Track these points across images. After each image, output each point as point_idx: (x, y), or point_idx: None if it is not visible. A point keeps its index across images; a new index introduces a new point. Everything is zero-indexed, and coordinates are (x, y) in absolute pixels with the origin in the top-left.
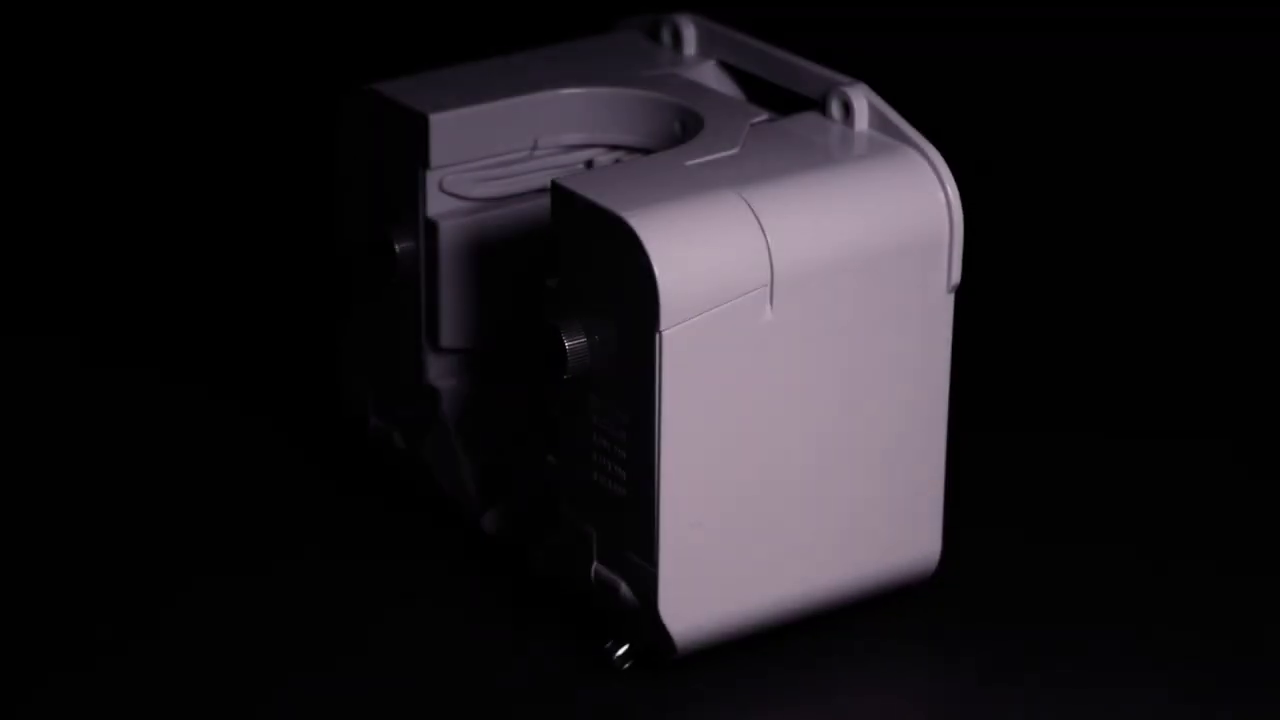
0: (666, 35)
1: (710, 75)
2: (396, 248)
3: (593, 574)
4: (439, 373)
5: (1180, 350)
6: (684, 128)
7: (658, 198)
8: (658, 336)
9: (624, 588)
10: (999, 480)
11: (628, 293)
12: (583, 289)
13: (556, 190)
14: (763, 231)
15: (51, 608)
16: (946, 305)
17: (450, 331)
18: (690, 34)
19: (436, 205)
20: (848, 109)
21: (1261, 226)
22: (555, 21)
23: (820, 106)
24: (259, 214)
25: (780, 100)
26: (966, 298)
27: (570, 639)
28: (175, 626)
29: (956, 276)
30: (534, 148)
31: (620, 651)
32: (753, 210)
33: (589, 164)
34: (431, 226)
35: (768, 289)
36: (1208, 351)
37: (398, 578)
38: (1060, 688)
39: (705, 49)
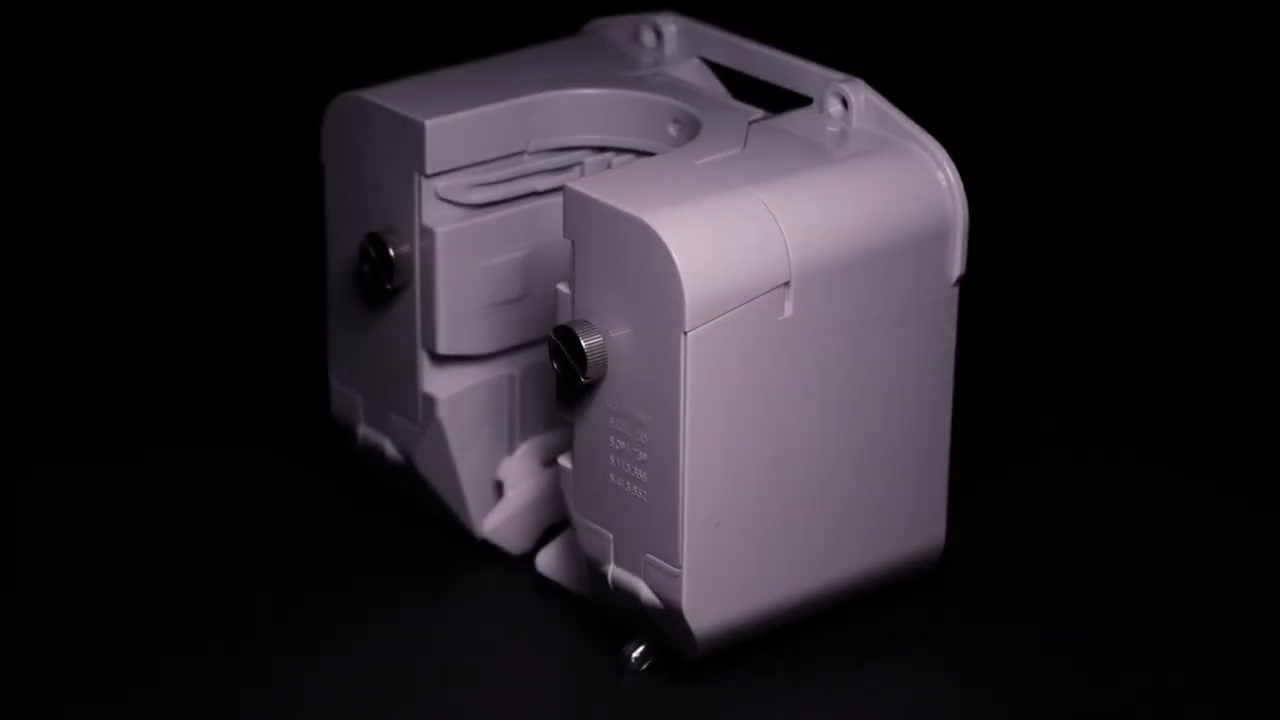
0: (648, 34)
1: (693, 74)
2: (393, 254)
3: (610, 577)
4: (436, 380)
5: (1181, 345)
6: (678, 128)
7: (676, 199)
8: (683, 337)
9: (644, 590)
10: (998, 475)
11: (648, 294)
12: (598, 291)
13: (570, 194)
14: (781, 230)
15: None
16: (952, 298)
17: (447, 338)
18: (672, 33)
19: (432, 212)
20: (846, 104)
21: (1263, 224)
22: (518, 22)
23: (814, 103)
24: (247, 220)
25: (764, 98)
26: (966, 295)
27: (575, 642)
28: (170, 632)
29: (961, 268)
30: (526, 152)
31: (637, 653)
32: (770, 209)
33: (580, 167)
34: (428, 233)
35: (787, 286)
36: (1208, 346)
37: (400, 588)
38: (1058, 688)
39: (689, 48)
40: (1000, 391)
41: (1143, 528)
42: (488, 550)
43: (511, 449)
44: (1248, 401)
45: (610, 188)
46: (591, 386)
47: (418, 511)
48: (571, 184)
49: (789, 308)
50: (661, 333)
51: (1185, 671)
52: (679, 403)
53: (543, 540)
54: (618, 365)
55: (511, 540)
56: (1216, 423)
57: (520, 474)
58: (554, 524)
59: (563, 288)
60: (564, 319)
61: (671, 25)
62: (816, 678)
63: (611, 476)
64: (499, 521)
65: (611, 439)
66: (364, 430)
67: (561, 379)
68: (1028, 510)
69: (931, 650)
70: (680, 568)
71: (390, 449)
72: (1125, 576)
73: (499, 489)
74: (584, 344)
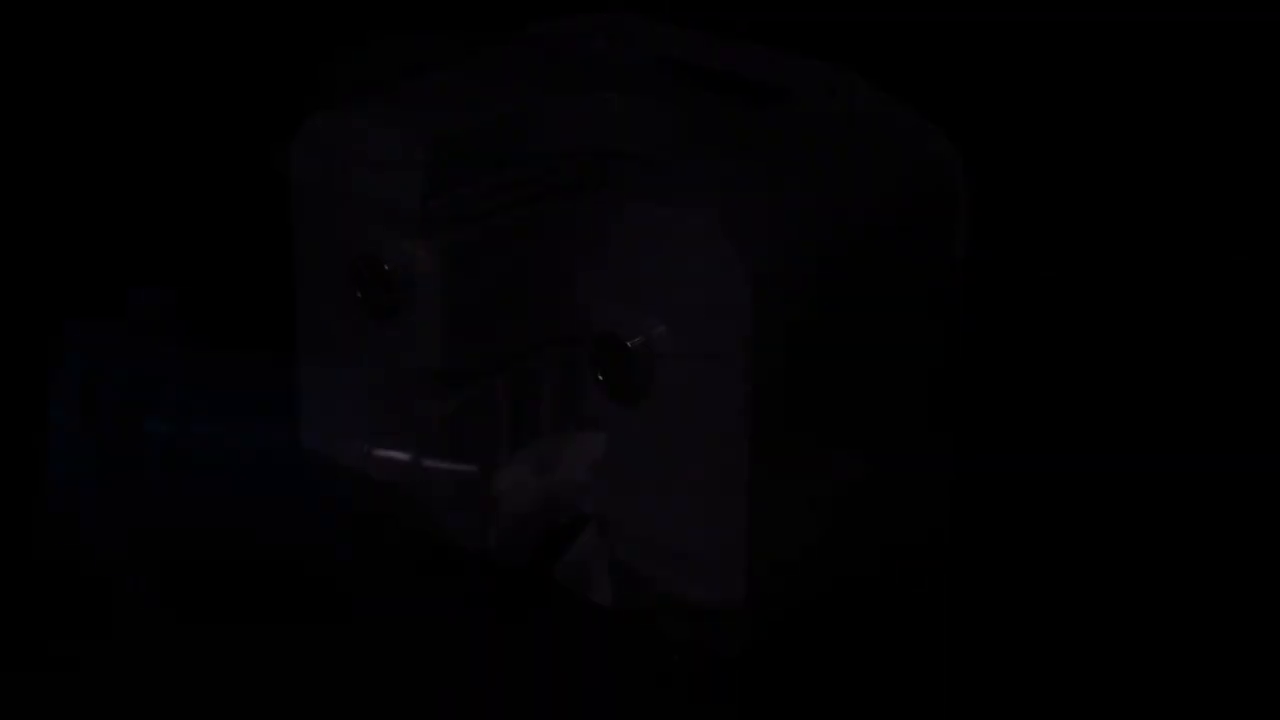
0: (601, 36)
1: (655, 72)
2: (389, 272)
3: (652, 581)
4: (432, 397)
5: (1181, 335)
6: (664, 128)
7: (724, 197)
8: (747, 335)
9: (695, 590)
10: (994, 468)
11: (705, 294)
12: (640, 295)
13: (611, 198)
14: (822, 219)
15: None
16: (956, 278)
17: (447, 353)
18: (632, 32)
19: (429, 227)
20: (833, 92)
21: (1265, 204)
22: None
23: (798, 92)
24: (233, 234)
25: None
26: (968, 280)
27: (605, 649)
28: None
29: (964, 247)
30: (514, 161)
31: (680, 657)
32: (809, 199)
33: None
34: (426, 249)
35: (831, 274)
36: (1207, 335)
37: (410, 608)
38: (1052, 688)
39: (650, 46)
40: (1002, 379)
41: (1145, 523)
42: (487, 564)
43: (507, 461)
44: (1260, 387)
45: (652, 190)
46: (636, 391)
47: (411, 531)
48: (610, 189)
49: (832, 295)
50: (720, 331)
51: (1180, 677)
52: (740, 400)
53: (539, 549)
54: (666, 367)
55: (511, 552)
56: (1219, 414)
57: (517, 485)
58: (548, 532)
59: (597, 295)
60: (602, 327)
61: (630, 24)
62: (803, 675)
63: (658, 480)
64: (498, 534)
65: (659, 441)
66: (345, 457)
67: (604, 387)
68: (1028, 495)
69: (913, 649)
70: (739, 565)
71: (378, 472)
72: (1125, 573)
73: (495, 502)
74: (631, 348)
